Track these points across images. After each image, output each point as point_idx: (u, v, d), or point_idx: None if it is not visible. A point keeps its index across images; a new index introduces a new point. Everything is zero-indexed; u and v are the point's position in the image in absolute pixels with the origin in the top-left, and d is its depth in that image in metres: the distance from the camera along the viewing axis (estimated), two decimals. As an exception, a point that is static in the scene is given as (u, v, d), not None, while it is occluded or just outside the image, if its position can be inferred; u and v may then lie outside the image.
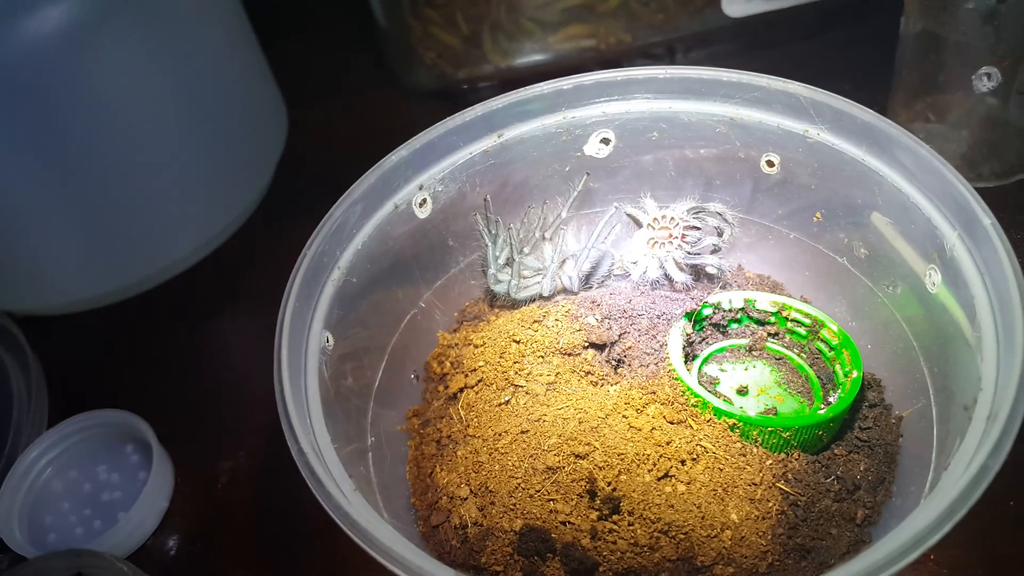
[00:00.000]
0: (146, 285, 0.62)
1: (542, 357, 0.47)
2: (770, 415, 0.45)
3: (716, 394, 0.45)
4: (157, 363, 0.61)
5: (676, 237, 0.49)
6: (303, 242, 0.44)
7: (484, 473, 0.43)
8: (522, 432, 0.44)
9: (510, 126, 0.50)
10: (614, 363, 0.47)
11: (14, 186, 0.52)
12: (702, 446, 0.42)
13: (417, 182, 0.48)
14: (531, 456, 0.43)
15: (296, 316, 0.41)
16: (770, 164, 0.50)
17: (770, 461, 0.43)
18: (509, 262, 0.50)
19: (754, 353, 0.49)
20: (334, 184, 0.49)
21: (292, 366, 0.39)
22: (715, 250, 0.50)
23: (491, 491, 0.43)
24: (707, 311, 0.49)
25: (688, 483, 0.41)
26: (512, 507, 0.42)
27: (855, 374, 0.44)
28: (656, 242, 0.49)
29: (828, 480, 0.43)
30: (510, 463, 0.43)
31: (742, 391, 0.47)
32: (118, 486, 0.53)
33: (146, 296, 0.62)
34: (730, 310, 0.49)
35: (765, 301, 0.49)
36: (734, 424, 0.43)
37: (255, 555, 0.49)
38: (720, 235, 0.50)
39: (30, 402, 0.56)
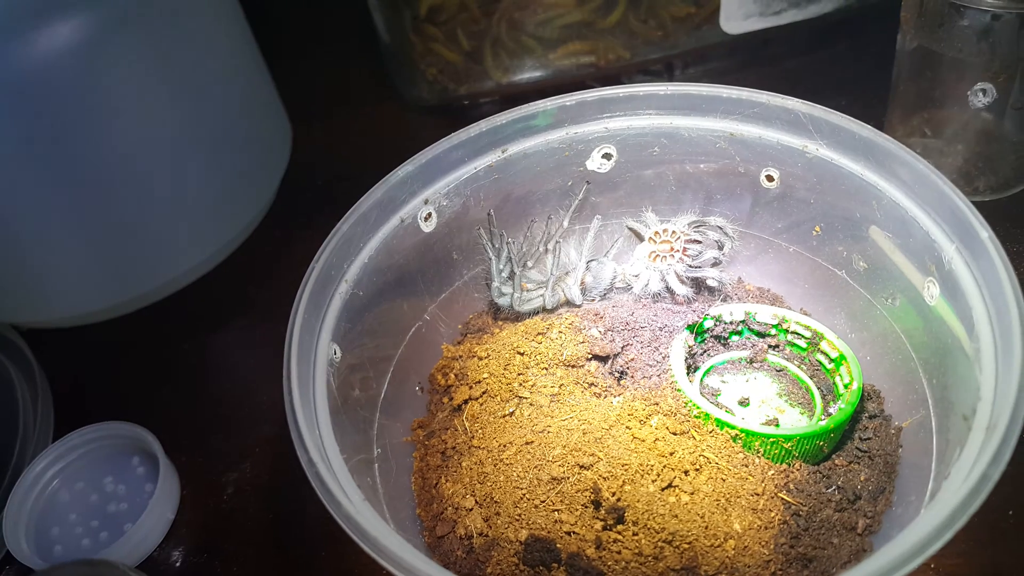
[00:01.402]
0: (151, 298, 0.62)
1: (546, 369, 0.47)
2: (771, 426, 0.45)
3: (718, 405, 0.46)
4: (162, 375, 0.62)
5: (677, 250, 0.50)
6: (306, 256, 0.44)
7: (489, 484, 0.44)
8: (527, 443, 0.44)
9: (514, 141, 0.50)
10: (617, 375, 0.48)
11: (20, 199, 0.53)
12: (705, 457, 0.43)
13: (423, 196, 0.49)
14: (536, 467, 0.43)
15: (305, 328, 0.41)
16: (769, 179, 0.50)
17: (772, 471, 0.43)
18: (512, 275, 0.51)
19: (755, 365, 0.49)
20: (336, 198, 0.49)
21: (301, 377, 0.39)
22: (716, 263, 0.51)
23: (496, 502, 0.43)
24: (708, 323, 0.49)
25: (691, 493, 0.42)
26: (517, 517, 0.42)
27: (855, 385, 0.45)
28: (658, 255, 0.50)
29: (829, 490, 0.44)
30: (515, 474, 0.43)
31: (743, 402, 0.47)
32: (124, 497, 0.53)
33: (151, 309, 0.62)
34: (731, 322, 0.50)
35: (766, 314, 0.49)
36: (736, 435, 0.44)
37: (261, 565, 0.49)
38: (720, 248, 0.51)
39: (36, 414, 0.56)
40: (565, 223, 0.52)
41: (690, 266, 0.50)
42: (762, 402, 0.47)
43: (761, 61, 0.76)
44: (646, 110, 0.50)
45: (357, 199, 0.47)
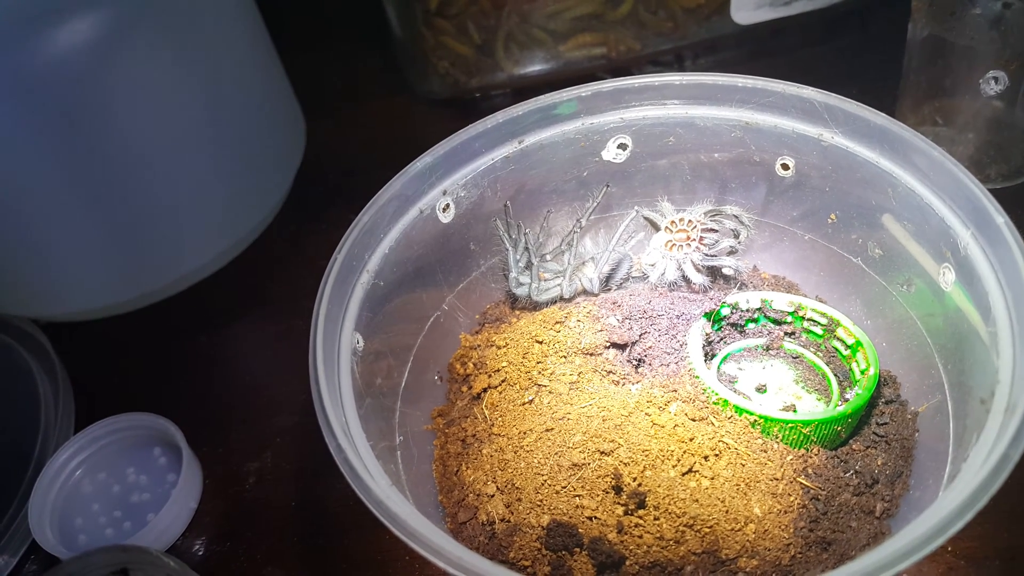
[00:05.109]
0: (167, 292, 0.63)
1: (564, 357, 0.48)
2: (789, 412, 0.46)
3: (736, 392, 0.46)
4: (180, 368, 0.62)
5: (693, 239, 0.50)
6: (319, 250, 0.45)
7: (510, 470, 0.44)
8: (547, 430, 0.45)
9: (530, 132, 0.51)
10: (635, 362, 0.48)
11: (38, 195, 0.53)
12: (724, 442, 0.43)
13: (441, 187, 0.49)
14: (556, 453, 0.44)
15: (329, 317, 0.42)
16: (785, 167, 0.51)
17: (790, 456, 0.44)
18: (529, 265, 0.51)
19: (771, 352, 0.50)
20: (349, 192, 0.49)
21: (327, 366, 0.40)
22: (732, 252, 0.51)
23: (517, 488, 0.44)
24: (725, 311, 0.50)
25: (712, 478, 0.42)
26: (539, 503, 0.43)
27: (872, 371, 0.45)
28: (674, 244, 0.50)
29: (847, 474, 0.44)
30: (536, 460, 0.44)
31: (761, 389, 0.48)
32: (147, 488, 0.53)
33: (168, 302, 0.63)
34: (747, 310, 0.50)
35: (782, 301, 0.50)
36: (755, 421, 0.44)
37: (284, 553, 0.50)
38: (736, 237, 0.51)
39: (57, 406, 0.57)
40: (583, 222, 0.52)
41: (706, 255, 0.50)
42: (779, 389, 0.48)
43: (771, 52, 0.76)
44: (661, 100, 0.51)
45: (370, 193, 0.47)
